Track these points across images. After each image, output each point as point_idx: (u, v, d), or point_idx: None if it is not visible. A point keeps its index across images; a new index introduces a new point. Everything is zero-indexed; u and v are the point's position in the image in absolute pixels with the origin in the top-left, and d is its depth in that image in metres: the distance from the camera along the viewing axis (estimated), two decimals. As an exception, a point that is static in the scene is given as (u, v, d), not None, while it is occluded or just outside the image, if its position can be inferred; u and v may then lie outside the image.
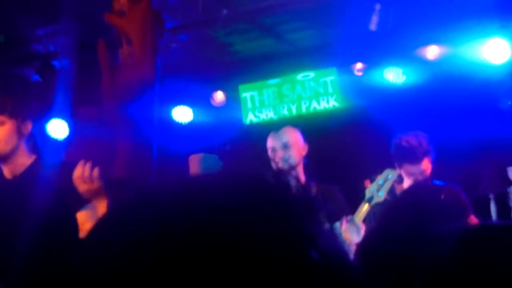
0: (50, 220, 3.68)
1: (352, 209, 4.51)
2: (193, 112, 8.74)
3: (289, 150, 4.72)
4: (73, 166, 3.83)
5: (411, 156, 4.72)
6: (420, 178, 4.71)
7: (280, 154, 4.70)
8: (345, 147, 8.38)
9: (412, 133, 4.89)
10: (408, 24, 7.11)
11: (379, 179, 4.54)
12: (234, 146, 8.67)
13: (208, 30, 7.14)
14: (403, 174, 4.78)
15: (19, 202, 3.74)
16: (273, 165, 4.77)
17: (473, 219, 2.79)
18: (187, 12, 6.58)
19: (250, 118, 8.36)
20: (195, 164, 5.52)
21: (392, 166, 4.81)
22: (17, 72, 7.72)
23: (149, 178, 2.73)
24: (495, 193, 8.10)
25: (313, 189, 4.74)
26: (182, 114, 8.71)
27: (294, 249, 0.79)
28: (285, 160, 4.68)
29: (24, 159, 3.88)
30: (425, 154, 4.73)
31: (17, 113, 3.83)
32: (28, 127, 3.91)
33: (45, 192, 3.76)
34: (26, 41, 7.14)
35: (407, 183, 4.76)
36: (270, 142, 4.83)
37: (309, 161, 4.98)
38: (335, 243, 0.85)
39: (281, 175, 0.91)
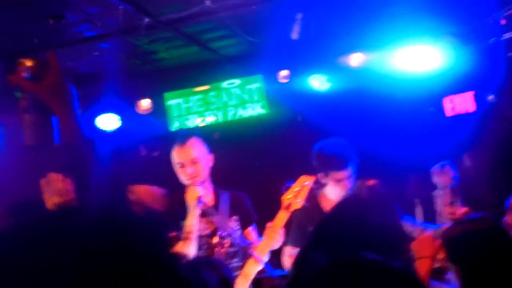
0: None
1: (271, 215, 4.55)
2: (120, 119, 8.66)
3: (198, 165, 4.64)
4: None
5: (336, 163, 4.76)
6: (347, 184, 4.76)
7: (189, 170, 4.60)
8: (270, 153, 8.43)
9: (333, 140, 4.92)
10: (332, 32, 7.18)
11: (295, 186, 4.57)
12: (161, 153, 8.62)
13: (130, 38, 7.07)
14: (331, 182, 4.80)
15: None
16: (181, 178, 4.67)
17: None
18: (108, 21, 6.50)
19: (176, 125, 8.34)
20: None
21: (310, 173, 4.84)
22: None
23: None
24: (421, 197, 8.24)
25: (225, 197, 4.75)
26: (108, 121, 8.62)
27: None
28: (194, 176, 4.61)
29: None
30: (348, 159, 4.77)
31: None
32: None
33: None
34: None
35: (336, 190, 4.78)
36: (177, 157, 4.69)
37: (230, 166, 4.97)
38: (198, 275, 0.90)
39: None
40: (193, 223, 4.50)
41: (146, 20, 6.47)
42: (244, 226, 4.72)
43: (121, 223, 0.90)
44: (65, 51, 7.19)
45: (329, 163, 4.78)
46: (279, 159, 8.34)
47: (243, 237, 4.68)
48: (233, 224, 4.68)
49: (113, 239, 0.87)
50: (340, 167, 4.75)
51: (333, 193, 4.81)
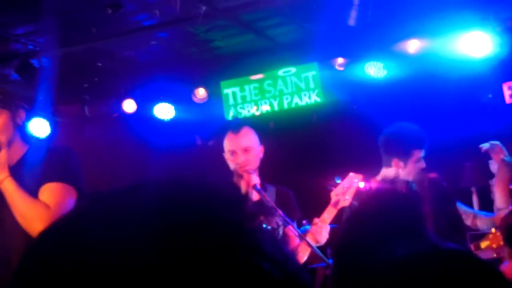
0: None
1: (322, 208, 4.56)
2: (175, 109, 8.73)
3: (249, 154, 4.64)
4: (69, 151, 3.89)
5: (418, 141, 4.78)
6: (422, 165, 4.77)
7: (240, 158, 4.61)
8: (326, 142, 8.41)
9: (402, 124, 4.93)
10: (388, 18, 7.12)
11: (344, 183, 4.57)
12: (216, 142, 8.66)
13: (188, 27, 7.12)
14: (410, 165, 4.79)
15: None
16: (231, 166, 4.68)
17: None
18: (166, 10, 6.56)
19: (232, 114, 8.36)
20: None
21: (363, 165, 4.88)
22: (-1, 71, 7.71)
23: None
24: (477, 186, 8.14)
25: (272, 192, 4.74)
26: (164, 111, 8.70)
27: (244, 263, 0.81)
28: (245, 164, 4.61)
29: (18, 150, 3.87)
30: (415, 145, 4.77)
31: (10, 104, 3.82)
32: (22, 117, 3.90)
33: (37, 182, 3.76)
34: (4, 40, 7.12)
35: (412, 171, 4.79)
36: (229, 145, 4.69)
37: (284, 156, 4.97)
38: (283, 251, 0.86)
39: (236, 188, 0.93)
40: None
41: (204, 8, 6.50)
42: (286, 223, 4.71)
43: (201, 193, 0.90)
44: (123, 40, 7.28)
45: (412, 141, 4.78)
46: (333, 148, 8.31)
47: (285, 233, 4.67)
48: (277, 219, 4.67)
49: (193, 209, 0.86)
50: (421, 145, 4.76)
51: (407, 176, 4.80)
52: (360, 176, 4.61)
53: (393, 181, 4.74)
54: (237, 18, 7.07)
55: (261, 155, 4.71)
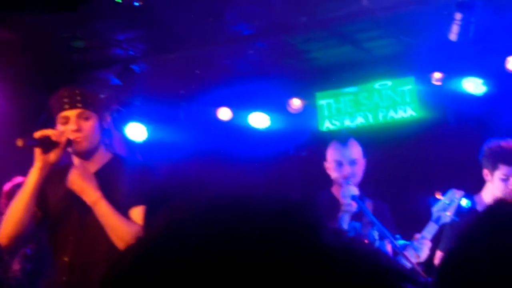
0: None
1: (419, 223, 4.52)
2: (270, 118, 8.79)
3: (356, 166, 4.65)
4: (152, 170, 3.90)
5: (490, 157, 4.68)
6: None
7: (347, 170, 4.62)
8: (421, 157, 8.29)
9: (500, 138, 4.85)
10: (490, 34, 6.98)
11: (445, 199, 4.52)
12: (309, 153, 8.67)
13: (286, 37, 7.17)
14: (496, 177, 4.69)
15: None
16: (333, 176, 4.68)
17: None
18: (265, 19, 6.62)
19: (326, 125, 8.35)
20: None
21: (460, 181, 4.79)
22: (97, 76, 7.91)
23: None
24: None
25: (369, 205, 4.72)
26: (259, 120, 8.76)
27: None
28: (351, 176, 4.61)
29: (102, 156, 3.92)
30: (502, 159, 4.67)
31: (100, 109, 3.87)
32: (108, 123, 3.94)
33: (121, 191, 3.79)
34: (106, 46, 7.31)
35: (499, 187, 4.68)
36: (336, 155, 4.69)
37: (378, 169, 4.93)
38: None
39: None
40: (345, 221, 4.51)
41: (303, 19, 6.54)
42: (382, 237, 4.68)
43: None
44: (222, 48, 7.38)
45: (501, 156, 4.68)
46: (428, 164, 8.19)
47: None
48: (375, 232, 4.65)
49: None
50: (508, 161, 4.65)
51: (494, 192, 4.69)
52: (461, 192, 4.55)
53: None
54: (335, 29, 7.08)
55: (363, 168, 4.71)
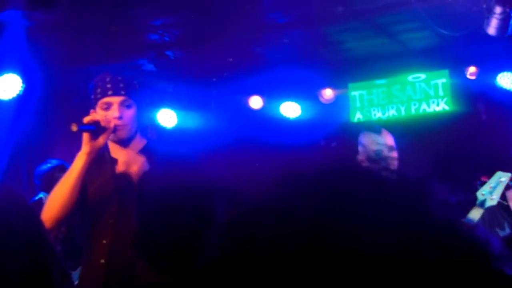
0: (156, 207, 3.73)
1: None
2: (301, 107, 8.78)
3: (393, 153, 4.62)
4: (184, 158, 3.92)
5: None
6: None
7: (390, 155, 4.60)
8: (452, 151, 8.25)
9: None
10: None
11: (491, 181, 4.44)
12: (340, 144, 8.65)
13: (321, 27, 7.14)
14: None
15: (130, 186, 3.78)
16: (372, 164, 4.64)
17: None
18: (302, 9, 6.60)
19: (358, 116, 8.34)
20: None
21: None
22: (132, 61, 7.92)
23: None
24: None
25: None
26: (290, 109, 8.76)
27: None
28: (391, 161, 4.59)
29: (137, 143, 3.95)
30: None
31: (139, 97, 3.90)
32: (146, 112, 3.97)
33: (154, 178, 3.80)
34: (142, 31, 7.31)
35: None
36: (373, 144, 4.66)
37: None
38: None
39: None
40: None
41: (340, 9, 6.51)
42: None
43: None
44: (256, 36, 7.36)
45: None
46: (458, 159, 8.14)
47: None
48: None
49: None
50: None
51: None
52: (508, 174, 4.48)
53: None
54: (372, 20, 7.04)
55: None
